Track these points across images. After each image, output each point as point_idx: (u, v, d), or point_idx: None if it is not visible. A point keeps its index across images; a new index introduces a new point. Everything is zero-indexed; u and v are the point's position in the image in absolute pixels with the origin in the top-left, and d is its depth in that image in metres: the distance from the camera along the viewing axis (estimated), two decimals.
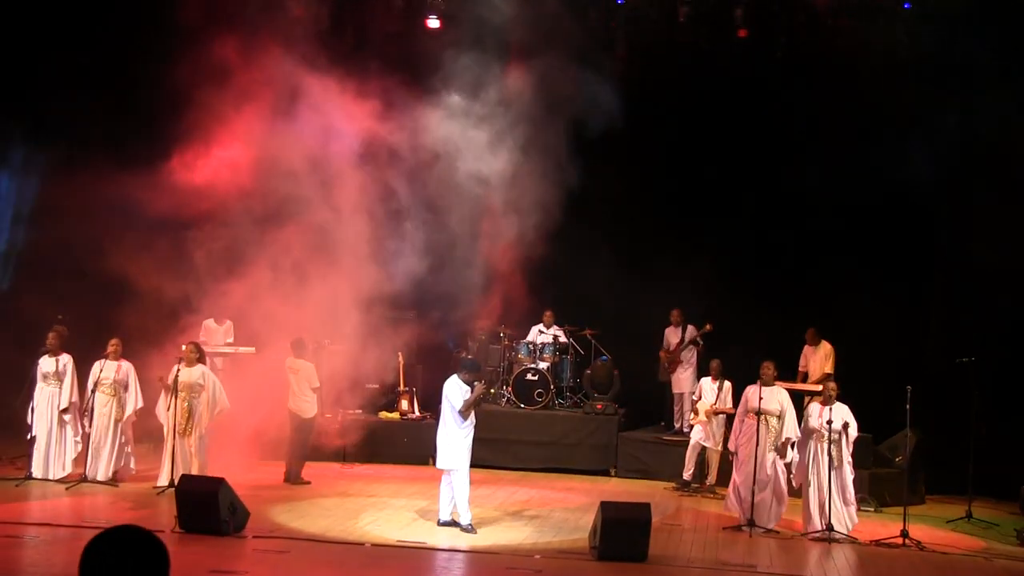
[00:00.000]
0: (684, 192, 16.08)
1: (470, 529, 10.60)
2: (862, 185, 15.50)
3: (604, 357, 15.70)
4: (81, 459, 12.36)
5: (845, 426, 11.05)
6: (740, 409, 11.84)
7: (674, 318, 15.40)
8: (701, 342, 15.11)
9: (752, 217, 16.21)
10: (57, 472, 12.33)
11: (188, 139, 13.58)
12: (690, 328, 15.29)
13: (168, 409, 12.04)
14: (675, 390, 15.34)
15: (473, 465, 10.92)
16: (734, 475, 11.77)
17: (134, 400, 12.55)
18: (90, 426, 12.31)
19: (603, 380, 15.63)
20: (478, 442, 11.13)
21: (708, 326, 15.03)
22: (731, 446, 12.14)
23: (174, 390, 11.95)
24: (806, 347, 14.48)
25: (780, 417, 11.50)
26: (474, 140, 14.31)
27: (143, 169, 13.18)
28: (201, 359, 12.55)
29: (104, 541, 2.87)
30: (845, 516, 11.19)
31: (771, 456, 11.43)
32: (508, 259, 14.67)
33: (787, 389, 12.29)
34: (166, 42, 13.54)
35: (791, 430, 11.50)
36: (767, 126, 15.85)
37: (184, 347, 12.41)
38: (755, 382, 11.67)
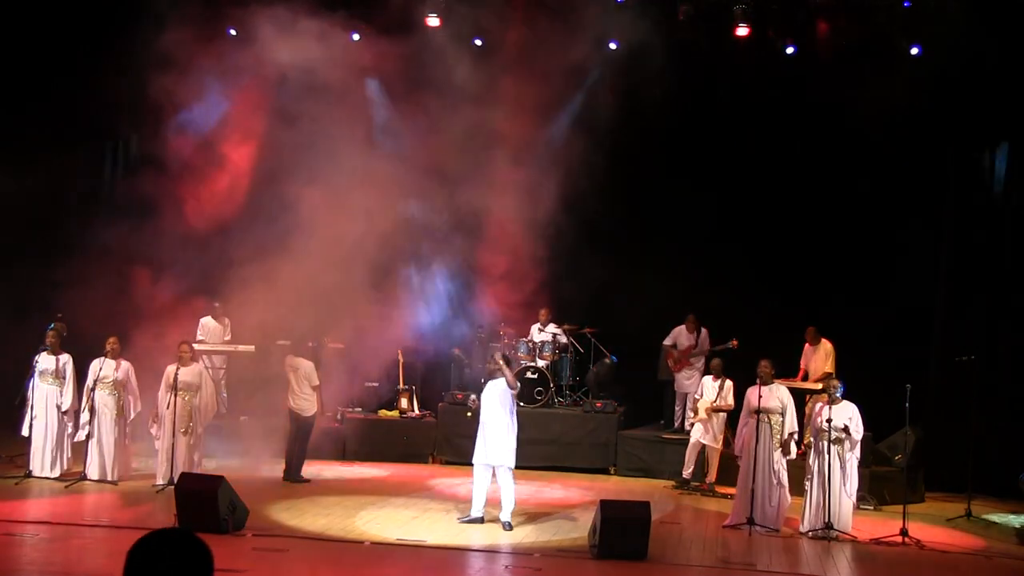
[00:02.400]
0: (684, 190, 16.04)
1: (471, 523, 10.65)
2: (863, 182, 15.50)
3: (614, 358, 15.64)
4: (80, 457, 12.34)
5: (846, 427, 11.01)
6: (743, 412, 11.68)
7: (689, 322, 15.21)
8: (715, 349, 14.72)
9: (752, 214, 16.18)
10: (56, 470, 12.33)
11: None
12: (704, 332, 15.14)
13: (167, 408, 12.04)
14: (679, 389, 15.25)
15: (472, 463, 10.91)
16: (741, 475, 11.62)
17: (136, 401, 12.55)
18: (90, 424, 12.30)
19: (607, 379, 15.62)
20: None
21: (734, 342, 14.61)
22: (736, 450, 11.83)
23: (173, 389, 11.96)
24: (806, 346, 14.40)
25: (782, 414, 11.46)
26: (475, 139, 14.32)
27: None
28: (194, 358, 12.57)
29: (153, 542, 2.83)
30: (847, 514, 11.16)
31: (776, 455, 11.39)
32: (508, 257, 14.66)
33: (787, 387, 12.25)
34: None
35: (792, 424, 11.46)
36: (767, 125, 15.83)
37: (179, 346, 12.40)
38: (755, 382, 11.62)
